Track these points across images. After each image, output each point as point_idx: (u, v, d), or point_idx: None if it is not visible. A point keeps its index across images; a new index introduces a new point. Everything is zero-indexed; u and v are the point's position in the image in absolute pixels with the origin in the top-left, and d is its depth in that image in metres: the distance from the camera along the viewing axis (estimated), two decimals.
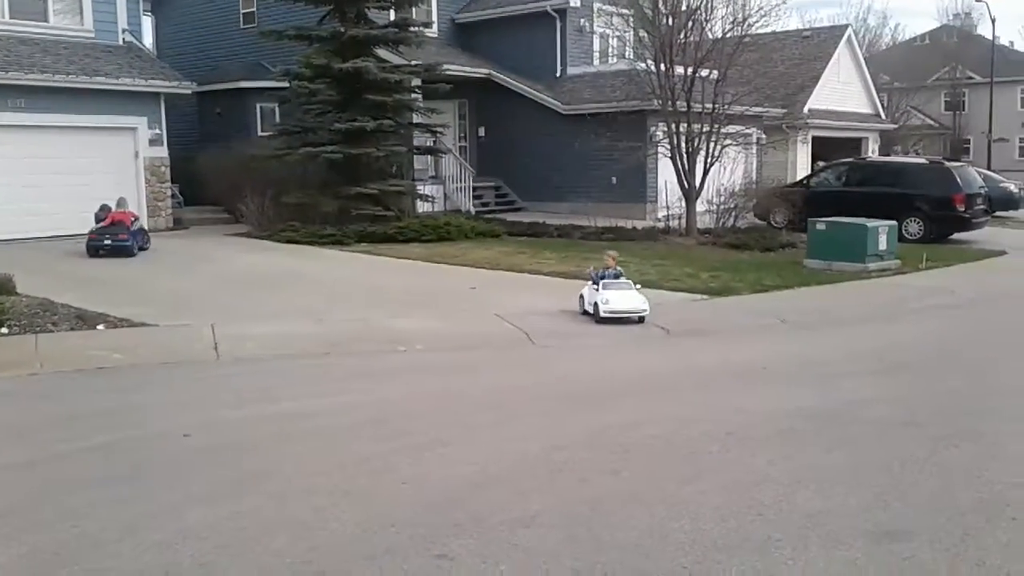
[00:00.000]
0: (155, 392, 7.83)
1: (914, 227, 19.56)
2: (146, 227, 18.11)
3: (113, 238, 14.86)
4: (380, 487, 5.24)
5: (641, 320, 10.51)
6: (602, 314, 10.42)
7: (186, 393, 7.82)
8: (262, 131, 22.39)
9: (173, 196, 19.88)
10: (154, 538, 4.50)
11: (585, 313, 10.81)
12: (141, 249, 15.30)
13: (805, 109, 29.63)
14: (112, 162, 17.99)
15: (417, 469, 5.55)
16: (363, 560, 4.24)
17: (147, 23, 25.92)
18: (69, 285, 11.79)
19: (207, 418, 6.81)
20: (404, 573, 4.11)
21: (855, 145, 33.32)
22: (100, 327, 9.91)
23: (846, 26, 35.00)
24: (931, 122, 47.75)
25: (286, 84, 18.99)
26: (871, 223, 15.18)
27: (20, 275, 11.27)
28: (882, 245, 15.17)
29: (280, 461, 5.75)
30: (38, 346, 9.04)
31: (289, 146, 18.62)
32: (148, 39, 25.13)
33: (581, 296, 10.96)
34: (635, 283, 10.96)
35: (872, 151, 33.99)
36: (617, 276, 10.80)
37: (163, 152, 18.89)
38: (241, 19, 25.08)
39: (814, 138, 30.54)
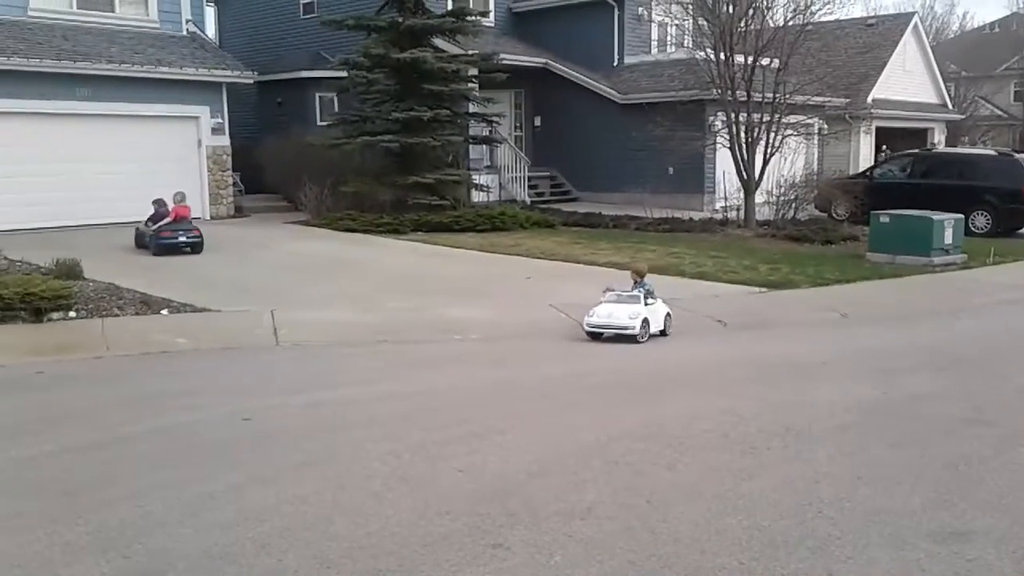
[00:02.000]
0: (217, 376, 7.99)
1: (981, 220, 19.03)
2: (210, 215, 18.53)
3: (187, 234, 14.43)
4: (436, 474, 5.27)
5: (635, 340, 9.07)
6: (585, 328, 9.30)
7: (247, 378, 7.97)
8: (321, 120, 22.63)
9: (234, 184, 20.21)
10: (216, 519, 4.59)
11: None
12: None
13: (869, 99, 28.99)
14: (176, 151, 18.36)
15: (473, 457, 5.56)
16: (419, 547, 4.27)
17: (210, 13, 26.41)
18: (132, 271, 12.06)
19: (267, 403, 6.92)
20: (459, 561, 4.12)
21: (920, 136, 32.52)
22: (164, 312, 10.14)
23: (912, 14, 34.14)
24: (1000, 113, 46.35)
25: (345, 74, 19.16)
26: (936, 216, 14.80)
27: (86, 262, 11.56)
28: (948, 239, 14.79)
29: (338, 447, 5.81)
30: (104, 330, 9.28)
31: (347, 135, 18.79)
32: (211, 29, 25.55)
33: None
34: (652, 297, 9.44)
35: (938, 142, 33.14)
36: (646, 294, 9.42)
37: (225, 141, 19.20)
38: (301, 9, 25.38)
39: (878, 128, 29.89)
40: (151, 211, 15.02)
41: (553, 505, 4.77)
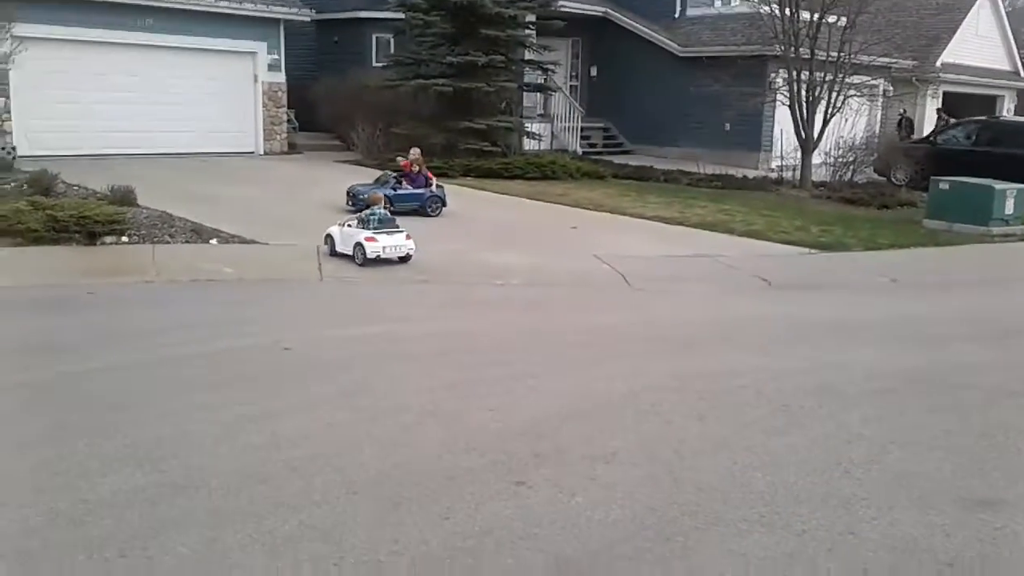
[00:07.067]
0: (260, 306, 8.14)
1: None
2: (263, 151, 18.72)
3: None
4: (467, 412, 5.33)
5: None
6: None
7: (289, 309, 8.11)
8: (376, 61, 22.53)
9: (288, 121, 20.31)
10: (250, 442, 4.71)
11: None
12: None
13: (938, 62, 28.01)
14: (232, 85, 18.50)
15: (504, 398, 5.62)
16: (443, 479, 4.34)
17: None
18: (186, 201, 12.22)
19: (307, 334, 7.05)
20: (482, 495, 4.19)
21: (989, 103, 31.40)
22: (213, 242, 10.31)
23: None
24: None
25: (402, 15, 19.04)
26: (999, 185, 14.37)
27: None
28: (1009, 209, 14.37)
29: (373, 380, 5.91)
30: (155, 256, 9.48)
31: (402, 77, 18.73)
32: None
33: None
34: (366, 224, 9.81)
35: (1008, 110, 32.01)
36: (382, 222, 9.85)
37: (281, 78, 19.27)
38: None
39: (945, 94, 28.93)
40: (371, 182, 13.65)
41: (580, 449, 4.81)
